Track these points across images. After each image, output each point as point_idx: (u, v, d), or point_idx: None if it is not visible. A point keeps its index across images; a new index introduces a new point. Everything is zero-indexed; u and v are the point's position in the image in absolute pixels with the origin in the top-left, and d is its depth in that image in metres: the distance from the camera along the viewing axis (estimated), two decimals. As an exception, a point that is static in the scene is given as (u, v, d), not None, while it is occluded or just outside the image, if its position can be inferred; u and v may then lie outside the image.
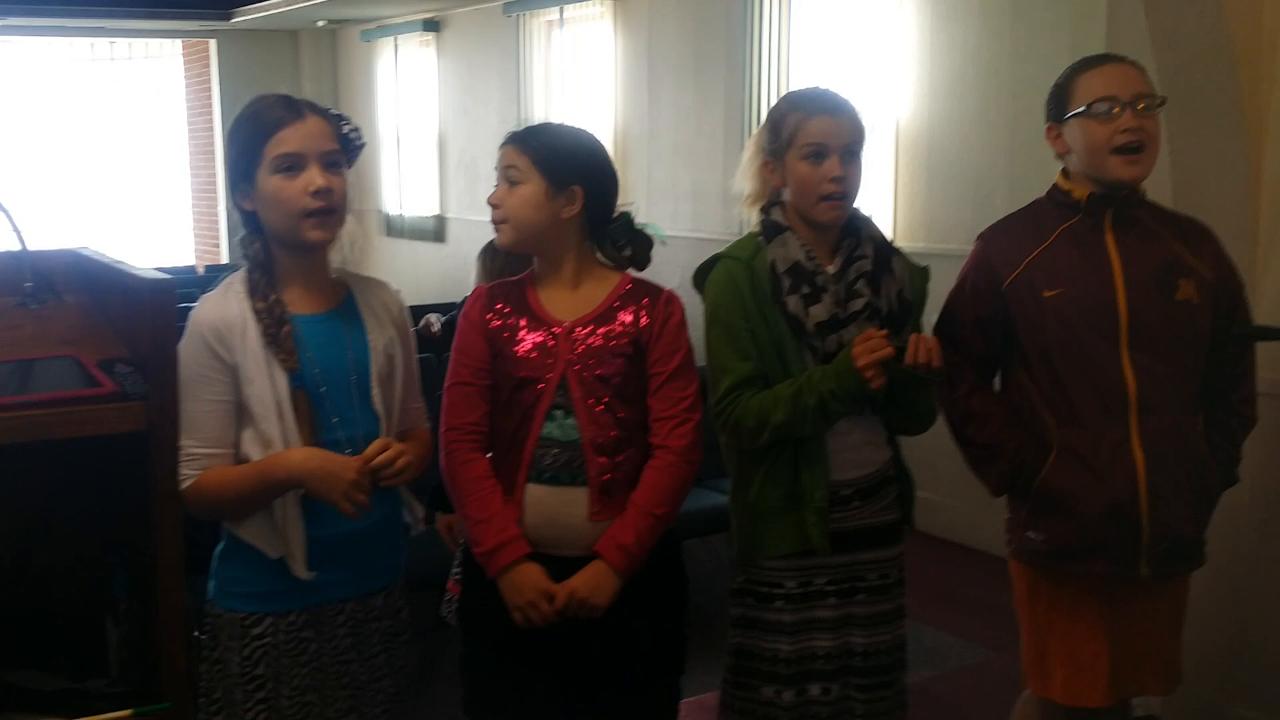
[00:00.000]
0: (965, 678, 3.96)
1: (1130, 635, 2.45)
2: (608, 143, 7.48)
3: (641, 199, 7.38)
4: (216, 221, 11.02)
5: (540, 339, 2.19)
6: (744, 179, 2.46)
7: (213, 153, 10.70)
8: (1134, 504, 2.35)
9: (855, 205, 2.39)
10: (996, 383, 2.57)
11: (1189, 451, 2.40)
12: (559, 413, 2.16)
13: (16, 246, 2.13)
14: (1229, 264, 2.48)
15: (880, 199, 5.70)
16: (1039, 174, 2.76)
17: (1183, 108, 2.91)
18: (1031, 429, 2.43)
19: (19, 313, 2.13)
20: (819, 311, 2.28)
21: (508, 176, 2.23)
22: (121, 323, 2.12)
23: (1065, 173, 2.46)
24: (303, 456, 1.98)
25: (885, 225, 5.70)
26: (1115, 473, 2.35)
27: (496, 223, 2.25)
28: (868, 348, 2.21)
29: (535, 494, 2.17)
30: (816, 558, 2.33)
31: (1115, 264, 2.37)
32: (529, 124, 2.30)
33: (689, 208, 6.88)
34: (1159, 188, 2.91)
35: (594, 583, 2.15)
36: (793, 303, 2.28)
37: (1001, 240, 2.48)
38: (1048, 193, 2.48)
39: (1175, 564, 2.43)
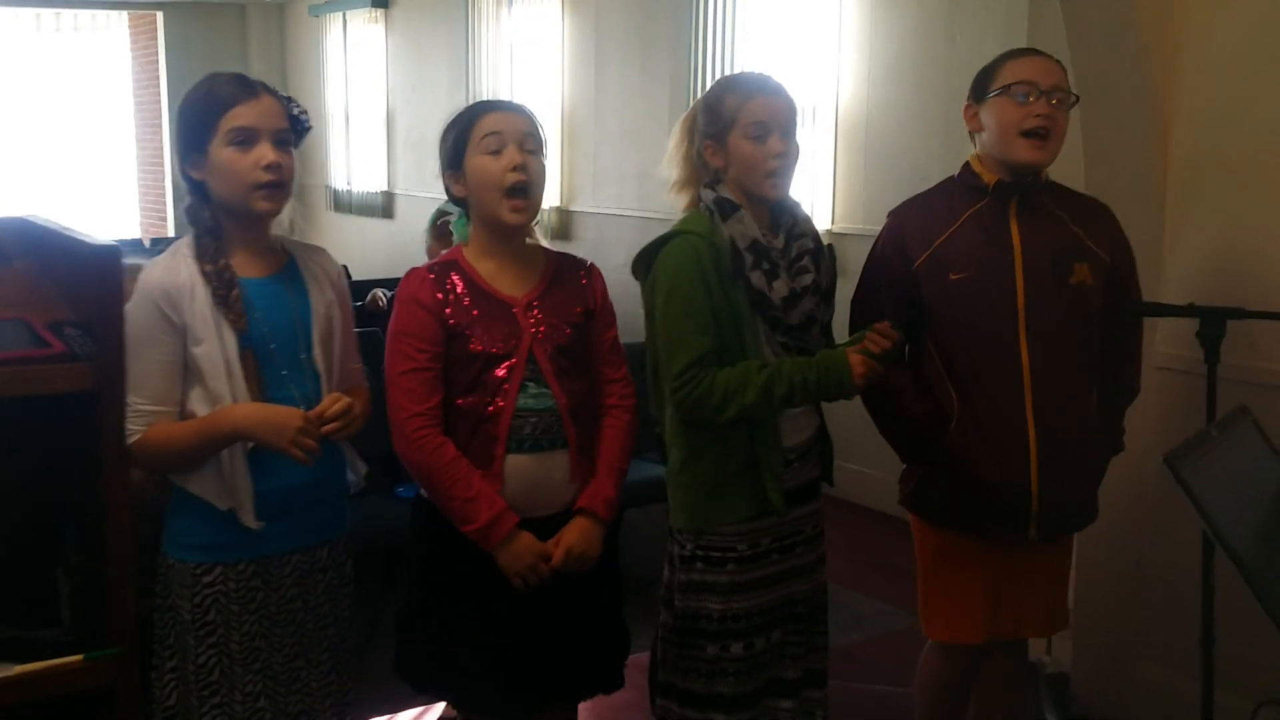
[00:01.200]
0: (891, 642, 4.07)
1: (1013, 583, 2.62)
2: (555, 123, 7.62)
3: (588, 179, 7.47)
4: (163, 194, 10.94)
5: (500, 317, 2.26)
6: (671, 165, 2.52)
7: (160, 126, 10.61)
8: (1025, 477, 2.50)
9: None
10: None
11: (1080, 425, 2.55)
12: (530, 384, 2.25)
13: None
14: (1123, 243, 2.63)
15: (820, 182, 5.82)
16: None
17: (1095, 95, 3.05)
18: (936, 400, 2.56)
19: (-31, 277, 2.20)
20: (781, 286, 2.37)
21: (527, 146, 2.26)
22: (69, 287, 2.19)
23: (976, 154, 2.60)
24: (247, 409, 2.07)
25: (825, 207, 5.84)
26: (1009, 448, 2.50)
27: (520, 188, 2.24)
28: (873, 342, 2.34)
29: (516, 463, 2.25)
30: (764, 519, 2.44)
31: (1016, 250, 2.51)
32: (498, 98, 2.37)
33: (635, 187, 6.97)
34: (1072, 171, 3.06)
35: (587, 537, 2.29)
36: (756, 278, 2.36)
37: (914, 219, 2.61)
38: (959, 172, 2.61)
39: (1061, 529, 2.61)
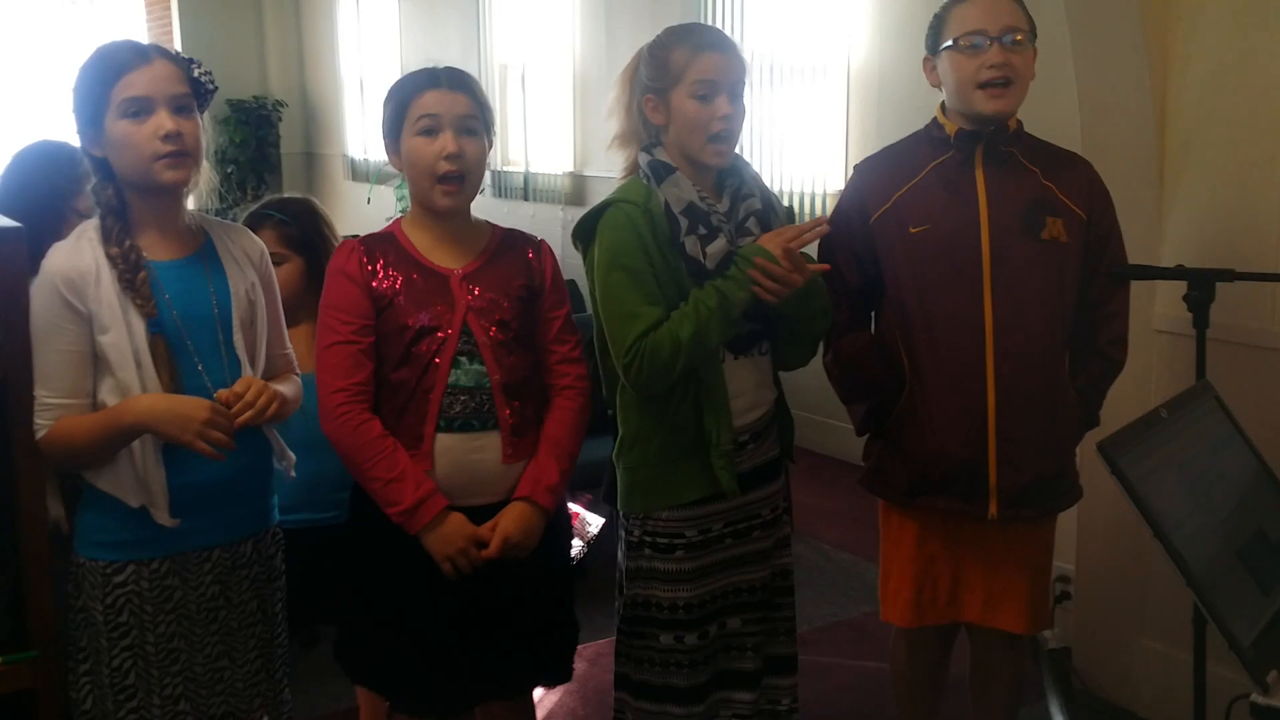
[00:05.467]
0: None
1: (977, 565, 2.47)
2: (567, 86, 7.48)
3: (600, 141, 7.33)
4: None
5: (434, 288, 2.16)
6: (610, 117, 2.36)
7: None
8: (981, 445, 2.35)
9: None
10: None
11: (1047, 393, 2.38)
12: (463, 359, 2.14)
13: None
14: (1104, 199, 2.44)
15: (832, 140, 5.66)
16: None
17: (1090, 47, 2.88)
18: (892, 367, 2.42)
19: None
20: (716, 250, 2.23)
21: (466, 126, 2.16)
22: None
23: (942, 106, 2.44)
24: (149, 401, 1.96)
25: (837, 167, 5.68)
26: (964, 413, 2.35)
27: (452, 177, 2.13)
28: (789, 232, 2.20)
29: (445, 443, 2.14)
30: (715, 504, 2.32)
31: (981, 202, 2.35)
32: (445, 65, 2.23)
33: (648, 151, 6.83)
34: (1068, 127, 2.89)
35: (524, 524, 2.17)
36: (690, 243, 2.23)
37: (873, 173, 2.47)
38: (926, 126, 2.46)
39: (1028, 507, 2.42)
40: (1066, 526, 2.96)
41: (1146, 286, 2.88)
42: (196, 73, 2.05)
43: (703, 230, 2.23)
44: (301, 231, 2.60)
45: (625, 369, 2.23)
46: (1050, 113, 2.72)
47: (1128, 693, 3.25)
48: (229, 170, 10.29)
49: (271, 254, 2.41)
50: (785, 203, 5.72)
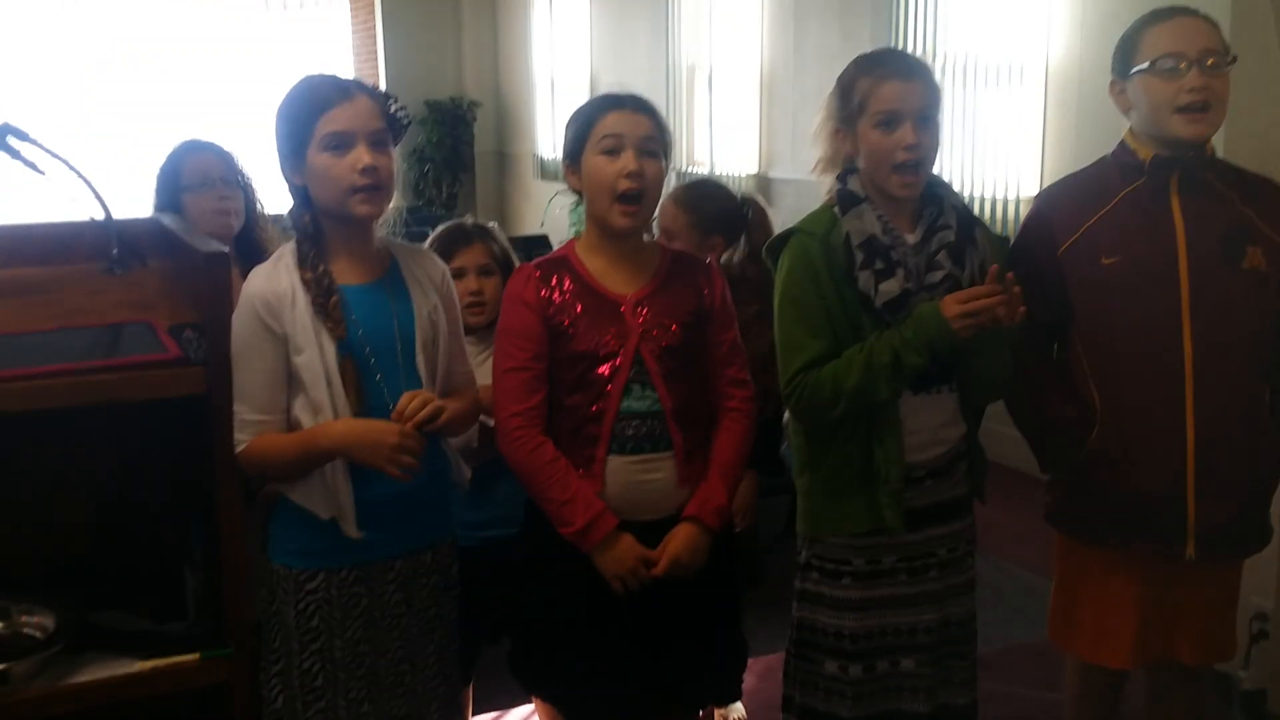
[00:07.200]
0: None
1: (1168, 607, 2.37)
2: (753, 86, 7.46)
3: (786, 142, 7.28)
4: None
5: (608, 315, 2.19)
6: (815, 142, 2.38)
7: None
8: (1181, 485, 2.25)
9: (935, 172, 2.31)
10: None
11: (1248, 429, 2.27)
12: (635, 386, 2.18)
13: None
14: None
15: (1028, 146, 5.48)
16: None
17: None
18: (1081, 402, 2.33)
19: (105, 278, 2.26)
20: (890, 287, 2.20)
21: (647, 148, 2.19)
22: (192, 289, 2.23)
23: (1132, 130, 2.33)
24: (344, 427, 2.05)
25: (1032, 173, 5.50)
26: (1163, 451, 2.25)
27: (632, 195, 2.16)
28: (965, 295, 2.14)
29: (617, 465, 2.18)
30: (886, 536, 2.29)
31: (1179, 230, 2.25)
32: (625, 88, 2.28)
33: (835, 153, 6.75)
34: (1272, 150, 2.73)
35: (692, 545, 2.20)
36: (864, 278, 2.21)
37: (1061, 202, 2.38)
38: (1114, 151, 2.36)
39: (1226, 548, 2.32)
40: (1267, 561, 2.80)
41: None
42: (393, 108, 2.13)
43: (879, 265, 2.20)
44: (502, 250, 2.74)
45: (786, 399, 2.26)
46: (1254, 134, 2.56)
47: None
48: (425, 169, 10.63)
49: (482, 265, 2.62)
50: (979, 210, 5.57)
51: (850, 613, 2.31)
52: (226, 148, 3.00)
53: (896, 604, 2.33)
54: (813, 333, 2.22)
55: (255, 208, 2.99)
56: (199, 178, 2.91)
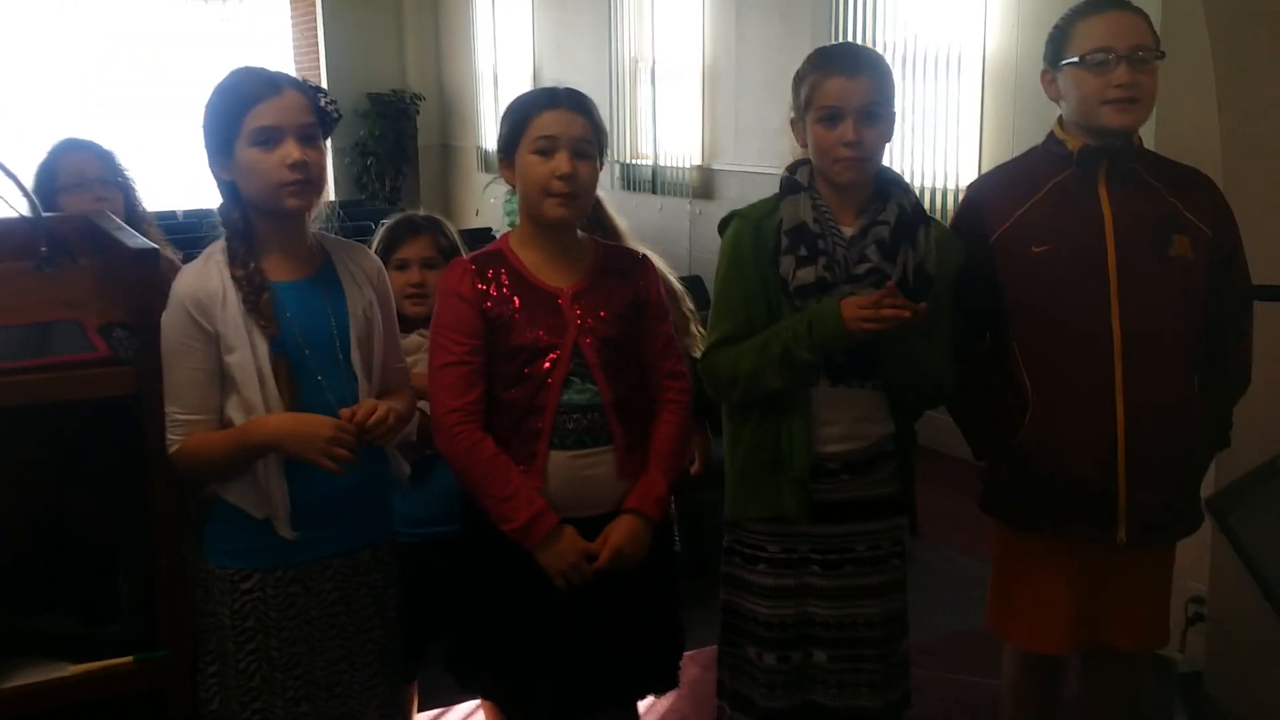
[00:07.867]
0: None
1: (1102, 592, 2.40)
2: (696, 78, 7.47)
3: (729, 133, 7.31)
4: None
5: (546, 308, 2.19)
6: (786, 130, 2.41)
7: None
8: (1111, 469, 2.28)
9: (888, 166, 2.33)
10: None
11: (1176, 414, 2.31)
12: (575, 379, 2.17)
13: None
14: (1227, 216, 2.35)
15: (965, 136, 5.54)
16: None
17: (1227, 50, 2.75)
18: (1014, 390, 2.36)
19: (34, 276, 2.22)
20: (805, 274, 2.23)
21: (580, 150, 2.18)
22: (123, 287, 2.19)
23: (1061, 120, 2.36)
24: (277, 421, 2.03)
25: (970, 163, 5.56)
26: (1093, 436, 2.28)
27: (565, 196, 2.16)
28: (863, 302, 2.14)
29: (558, 460, 2.18)
30: (800, 525, 2.31)
31: (1107, 219, 2.28)
32: (562, 84, 2.26)
33: (777, 144, 6.77)
34: (1204, 140, 2.78)
35: (634, 537, 2.21)
36: (785, 263, 2.25)
37: (992, 191, 2.41)
38: (1043, 141, 2.40)
39: (1157, 532, 2.35)
40: (1201, 545, 2.86)
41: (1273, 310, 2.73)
42: (323, 102, 2.10)
43: (803, 252, 2.23)
44: (449, 243, 2.73)
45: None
46: (1183, 126, 2.61)
47: (1264, 718, 3.11)
48: (368, 162, 10.56)
49: (426, 258, 2.61)
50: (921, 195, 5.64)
51: (762, 599, 2.34)
52: (106, 146, 2.92)
53: (809, 594, 2.34)
54: (726, 313, 2.29)
55: (136, 208, 2.90)
56: (75, 178, 2.83)
